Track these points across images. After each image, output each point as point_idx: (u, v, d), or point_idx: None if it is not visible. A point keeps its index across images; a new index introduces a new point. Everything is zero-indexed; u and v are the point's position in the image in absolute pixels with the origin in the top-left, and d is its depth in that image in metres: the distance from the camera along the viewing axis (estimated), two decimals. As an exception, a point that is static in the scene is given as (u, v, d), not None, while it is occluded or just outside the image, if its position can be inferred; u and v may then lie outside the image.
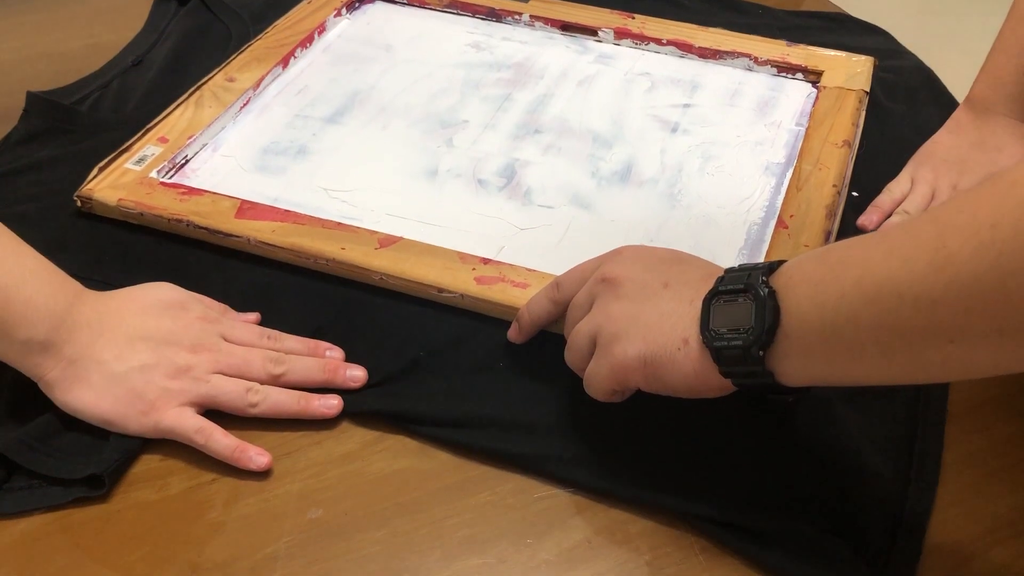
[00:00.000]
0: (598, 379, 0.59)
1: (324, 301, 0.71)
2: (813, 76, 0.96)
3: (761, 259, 0.74)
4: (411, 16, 1.06)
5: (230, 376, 0.63)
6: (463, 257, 0.72)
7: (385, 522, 0.58)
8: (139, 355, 0.61)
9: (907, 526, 0.58)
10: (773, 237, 0.76)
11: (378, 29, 1.03)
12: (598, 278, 0.61)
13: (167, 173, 0.80)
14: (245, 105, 0.89)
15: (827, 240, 0.76)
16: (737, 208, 0.81)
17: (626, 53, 1.00)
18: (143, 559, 0.56)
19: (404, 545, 0.57)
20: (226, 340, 0.65)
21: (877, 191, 0.83)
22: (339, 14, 1.03)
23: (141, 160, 0.80)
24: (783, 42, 0.99)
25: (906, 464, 0.62)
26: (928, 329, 0.44)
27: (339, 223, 0.75)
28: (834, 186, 0.80)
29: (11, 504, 0.58)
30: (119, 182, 0.77)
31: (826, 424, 0.63)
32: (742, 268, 0.55)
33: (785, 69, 0.97)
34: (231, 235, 0.74)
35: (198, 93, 0.88)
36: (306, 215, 0.75)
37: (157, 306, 0.64)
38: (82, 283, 0.63)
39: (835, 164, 0.82)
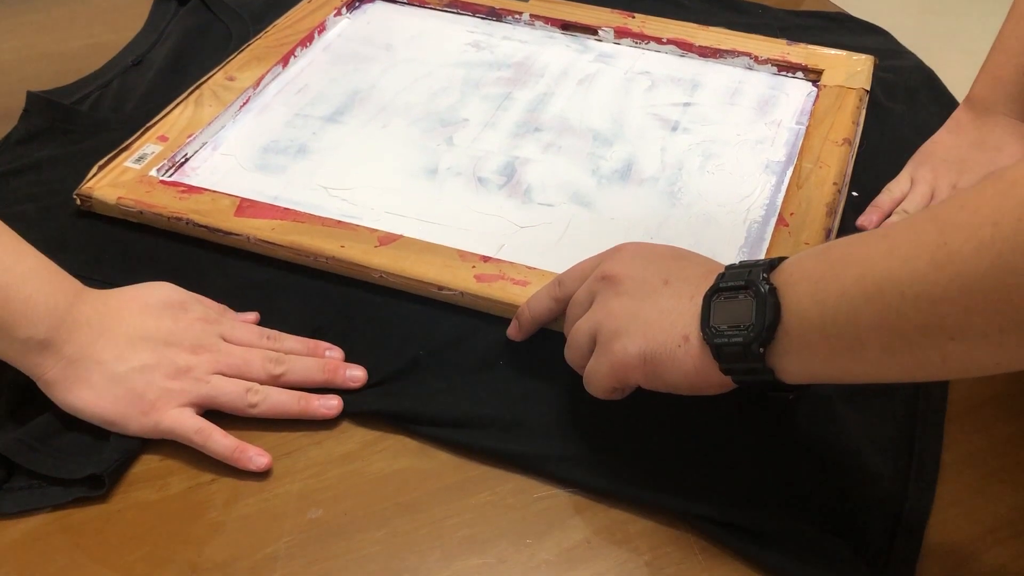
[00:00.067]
0: (598, 377, 0.59)
1: (324, 300, 0.71)
2: (813, 75, 0.96)
3: (762, 257, 0.74)
4: (411, 15, 1.06)
5: (230, 376, 0.63)
6: (463, 255, 0.72)
7: (385, 522, 0.58)
8: (139, 355, 0.61)
9: (907, 526, 0.58)
10: (774, 235, 0.76)
11: (378, 28, 1.03)
12: (598, 275, 0.61)
13: (167, 172, 0.80)
14: (245, 104, 0.89)
15: (827, 238, 0.75)
16: (737, 206, 0.81)
17: (626, 52, 1.00)
18: (143, 559, 0.56)
19: (404, 545, 0.57)
20: (226, 340, 0.65)
21: (877, 191, 0.83)
22: (339, 13, 1.03)
23: (141, 159, 0.80)
24: (783, 41, 0.99)
25: (906, 464, 0.62)
26: (929, 327, 0.44)
27: (339, 221, 0.75)
28: (834, 184, 0.80)
29: (11, 504, 0.58)
30: (119, 180, 0.77)
31: (826, 424, 0.63)
32: (743, 265, 0.55)
33: (785, 68, 0.97)
34: (230, 233, 0.74)
35: (198, 92, 0.88)
36: (305, 213, 0.75)
37: (157, 306, 0.64)
38: (82, 282, 0.63)
39: (835, 162, 0.82)
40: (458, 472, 0.61)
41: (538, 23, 1.03)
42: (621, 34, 1.01)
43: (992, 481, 0.62)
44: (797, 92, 0.95)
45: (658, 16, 1.03)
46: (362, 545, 0.57)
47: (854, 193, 0.83)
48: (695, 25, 1.02)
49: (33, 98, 0.89)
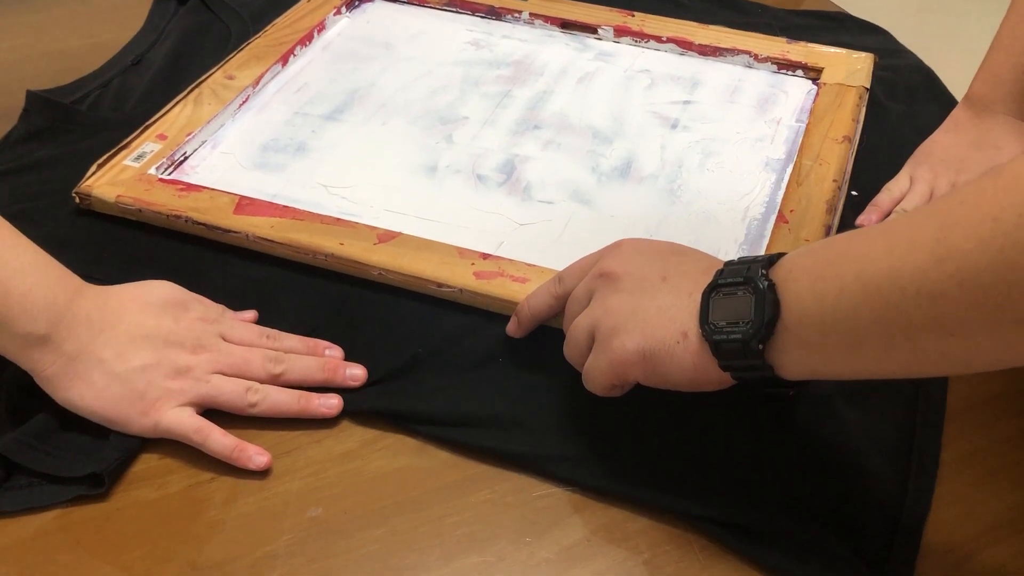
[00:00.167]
0: (597, 373, 0.59)
1: (323, 298, 0.71)
2: (813, 73, 0.96)
3: (761, 254, 0.74)
4: (411, 14, 1.06)
5: (230, 376, 0.63)
6: (462, 252, 0.72)
7: (384, 520, 0.58)
8: (140, 355, 0.61)
9: (906, 524, 0.58)
10: (773, 232, 0.76)
11: (378, 27, 1.03)
12: (596, 272, 0.61)
13: (166, 170, 0.80)
14: (244, 103, 0.89)
15: (827, 235, 0.75)
16: (737, 204, 0.81)
17: (626, 51, 1.00)
18: (143, 557, 0.56)
19: (403, 543, 0.57)
20: (225, 340, 0.65)
21: (876, 190, 0.83)
22: (339, 12, 1.03)
23: (140, 157, 0.80)
24: (783, 39, 0.99)
25: (905, 463, 0.62)
26: (929, 322, 0.44)
27: (338, 219, 0.75)
28: (834, 181, 0.80)
29: (11, 503, 0.58)
30: (118, 179, 0.77)
31: (825, 423, 0.63)
32: (741, 261, 0.55)
33: (785, 66, 0.97)
34: (229, 231, 0.74)
35: (197, 90, 0.88)
36: (305, 211, 0.75)
37: (157, 305, 0.64)
38: (81, 281, 0.63)
39: (835, 159, 0.82)
40: (457, 471, 0.61)
41: (537, 22, 1.03)
42: (621, 32, 1.01)
43: (992, 480, 0.62)
44: (797, 90, 0.95)
45: (657, 15, 1.03)
46: (362, 543, 0.57)
47: (853, 192, 0.83)
48: (695, 23, 1.02)
49: (33, 97, 0.89)
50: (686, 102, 0.93)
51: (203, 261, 0.74)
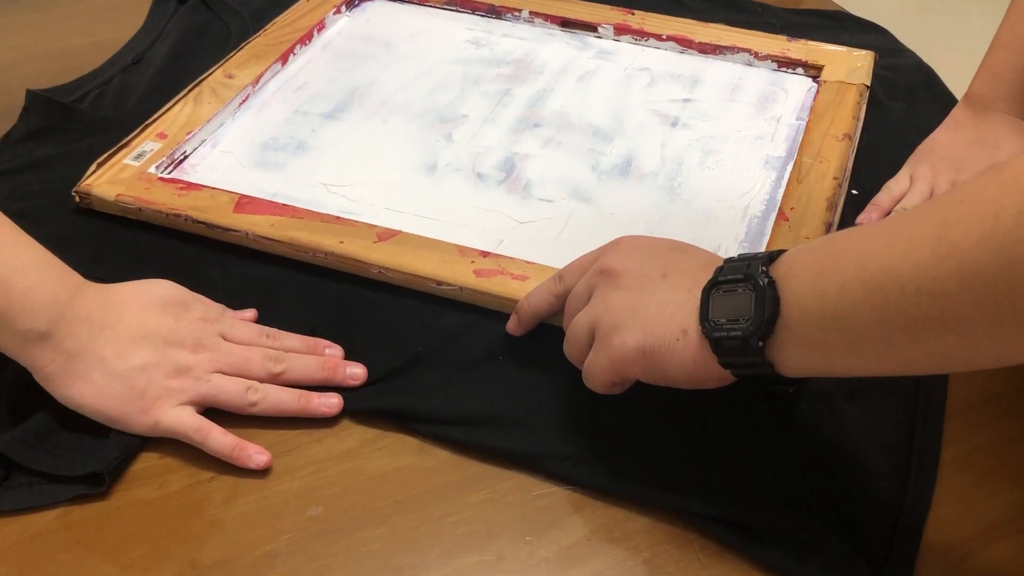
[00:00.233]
0: (597, 370, 0.59)
1: (322, 297, 0.71)
2: (813, 71, 0.96)
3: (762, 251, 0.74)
4: (411, 13, 1.06)
5: (230, 375, 0.63)
6: (462, 250, 0.72)
7: (384, 520, 0.58)
8: (141, 353, 0.61)
9: (906, 523, 0.58)
10: (774, 229, 0.76)
11: (378, 26, 1.03)
12: (596, 269, 0.61)
13: (166, 169, 0.80)
14: (244, 101, 0.89)
15: (828, 232, 0.75)
16: (737, 202, 0.80)
17: (626, 49, 1.00)
18: (143, 556, 0.56)
19: (403, 543, 0.57)
20: (225, 339, 0.65)
21: (876, 189, 0.83)
22: (339, 11, 1.03)
23: (140, 156, 0.80)
24: (783, 37, 0.99)
25: (905, 461, 0.62)
26: (929, 320, 0.44)
27: (337, 217, 0.75)
28: (835, 178, 0.80)
29: (11, 501, 0.58)
30: (117, 177, 0.77)
31: (825, 422, 0.63)
32: (742, 258, 0.55)
33: (785, 64, 0.97)
34: (229, 229, 0.74)
35: (197, 89, 0.88)
36: (304, 209, 0.75)
37: (158, 304, 0.64)
38: (81, 280, 0.63)
39: (836, 157, 0.82)
40: (457, 470, 0.61)
41: (537, 20, 1.03)
42: (621, 31, 1.01)
43: (992, 479, 0.62)
44: (797, 88, 0.95)
45: (658, 13, 1.03)
46: (362, 543, 0.57)
47: (854, 191, 0.83)
48: (695, 22, 1.02)
49: (33, 96, 0.89)
50: (686, 100, 0.93)
51: (203, 260, 0.74)
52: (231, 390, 0.63)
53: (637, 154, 0.86)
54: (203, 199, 0.76)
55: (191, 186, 0.77)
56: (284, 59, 0.94)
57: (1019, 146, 0.81)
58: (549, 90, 0.93)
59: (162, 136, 0.82)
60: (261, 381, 0.64)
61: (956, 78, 0.99)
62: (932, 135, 0.86)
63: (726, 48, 0.98)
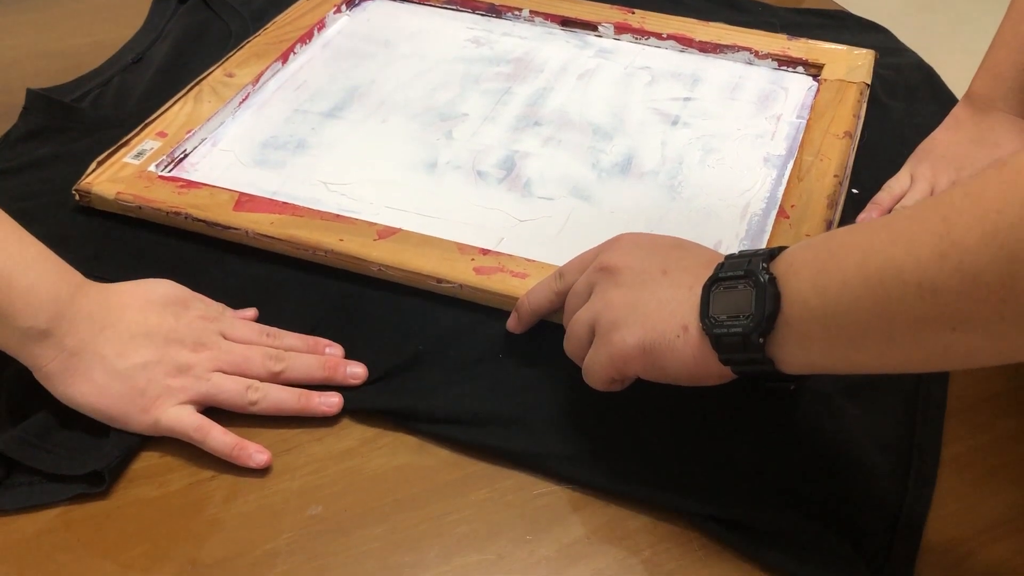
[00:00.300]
0: (597, 367, 0.59)
1: (323, 296, 0.71)
2: (814, 69, 0.96)
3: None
4: (411, 13, 1.06)
5: (230, 374, 0.63)
6: (462, 248, 0.72)
7: (384, 518, 0.58)
8: (141, 352, 0.61)
9: (906, 522, 0.58)
10: (774, 227, 0.76)
11: (378, 25, 1.03)
12: (597, 266, 0.61)
13: (166, 167, 0.80)
14: (244, 100, 0.89)
15: (828, 229, 0.75)
16: (738, 199, 0.80)
17: (626, 48, 1.00)
18: (143, 555, 0.56)
19: (403, 541, 0.57)
20: (226, 338, 0.65)
21: (877, 188, 0.83)
22: (339, 11, 1.03)
23: (140, 154, 0.80)
24: (784, 36, 0.99)
25: (905, 461, 0.62)
26: (930, 316, 0.44)
27: (337, 215, 0.75)
28: (835, 176, 0.80)
29: (11, 501, 0.58)
30: (118, 176, 0.77)
31: (825, 421, 0.63)
32: (742, 254, 0.54)
33: (786, 63, 0.97)
34: (229, 227, 0.74)
35: (197, 88, 0.88)
36: (304, 207, 0.75)
37: (159, 303, 0.64)
38: (81, 279, 0.63)
39: (836, 155, 0.82)
40: (457, 469, 0.61)
41: (538, 19, 1.03)
42: (621, 30, 1.01)
43: (992, 478, 0.62)
44: (798, 86, 0.95)
45: (658, 12, 1.03)
46: (362, 541, 0.57)
47: (854, 190, 0.83)
48: (695, 21, 1.01)
49: (33, 96, 0.89)
50: (687, 99, 0.93)
51: (203, 259, 0.74)
52: (231, 389, 0.62)
53: (637, 152, 0.86)
54: (203, 197, 0.76)
55: (191, 184, 0.77)
56: (284, 58, 0.94)
57: (1020, 145, 0.81)
58: (549, 89, 0.93)
59: (162, 135, 0.82)
60: (261, 380, 0.64)
61: (956, 77, 0.99)
62: (932, 134, 0.86)
63: (726, 47, 0.98)
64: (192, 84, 0.88)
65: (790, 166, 0.83)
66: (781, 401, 0.64)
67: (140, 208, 0.76)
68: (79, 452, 0.60)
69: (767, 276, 0.51)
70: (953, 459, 0.63)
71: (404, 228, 0.73)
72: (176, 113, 0.85)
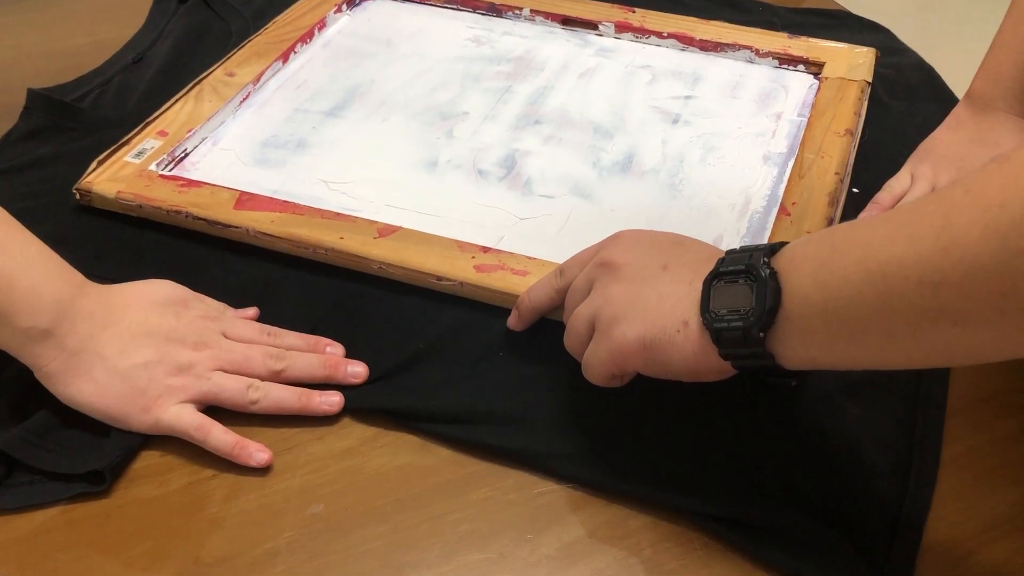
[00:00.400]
0: (597, 363, 0.59)
1: (323, 295, 0.71)
2: (815, 68, 0.96)
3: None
4: (411, 12, 1.06)
5: (231, 373, 0.63)
6: (462, 246, 0.72)
7: (385, 518, 0.58)
8: (142, 351, 0.61)
9: (906, 522, 0.58)
10: (775, 224, 0.76)
11: (378, 25, 1.03)
12: (597, 262, 0.61)
13: (166, 166, 0.80)
14: (245, 99, 0.89)
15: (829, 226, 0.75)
16: (739, 198, 0.80)
17: (627, 47, 1.00)
18: (144, 554, 0.56)
19: (404, 541, 0.57)
20: (227, 337, 0.65)
21: (877, 188, 0.82)
22: (339, 10, 1.03)
23: (140, 153, 0.80)
24: (784, 35, 0.99)
25: (906, 460, 0.62)
26: (932, 311, 0.44)
27: (338, 213, 0.75)
28: (836, 174, 0.80)
29: (12, 500, 0.58)
30: (118, 175, 0.77)
31: (826, 420, 0.63)
32: (743, 249, 0.54)
33: (787, 61, 0.97)
34: (230, 226, 0.74)
35: (198, 87, 0.88)
36: (305, 206, 0.75)
37: (160, 303, 0.64)
38: (81, 279, 0.63)
39: (837, 152, 0.82)
40: (458, 468, 0.61)
41: (538, 18, 1.03)
42: (622, 29, 1.01)
43: (992, 477, 0.62)
44: (798, 85, 0.95)
45: (659, 12, 1.03)
46: (362, 541, 0.57)
47: (855, 190, 0.83)
48: (696, 19, 1.01)
49: (34, 95, 0.89)
50: (687, 97, 0.93)
51: (203, 258, 0.74)
52: (232, 388, 0.63)
53: (638, 151, 0.86)
54: (204, 196, 0.76)
55: (191, 183, 0.77)
56: (285, 57, 0.94)
57: (1020, 144, 0.81)
58: (550, 87, 0.93)
59: (163, 134, 0.82)
60: (262, 379, 0.64)
61: (957, 77, 0.99)
62: (933, 134, 0.86)
63: (727, 45, 0.98)
64: (193, 83, 0.88)
65: (791, 164, 0.83)
66: (781, 400, 0.64)
67: (141, 207, 0.76)
68: (80, 451, 0.60)
69: (768, 271, 0.51)
70: (953, 459, 0.63)
71: (405, 226, 0.73)
72: (177, 112, 0.85)
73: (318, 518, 0.58)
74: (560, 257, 0.67)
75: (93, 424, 0.61)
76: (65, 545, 0.57)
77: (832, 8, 1.13)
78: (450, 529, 0.58)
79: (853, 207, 0.81)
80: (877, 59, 0.96)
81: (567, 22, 1.03)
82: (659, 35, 1.00)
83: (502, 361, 0.67)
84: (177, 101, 0.86)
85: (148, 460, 0.61)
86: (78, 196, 0.77)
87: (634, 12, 1.02)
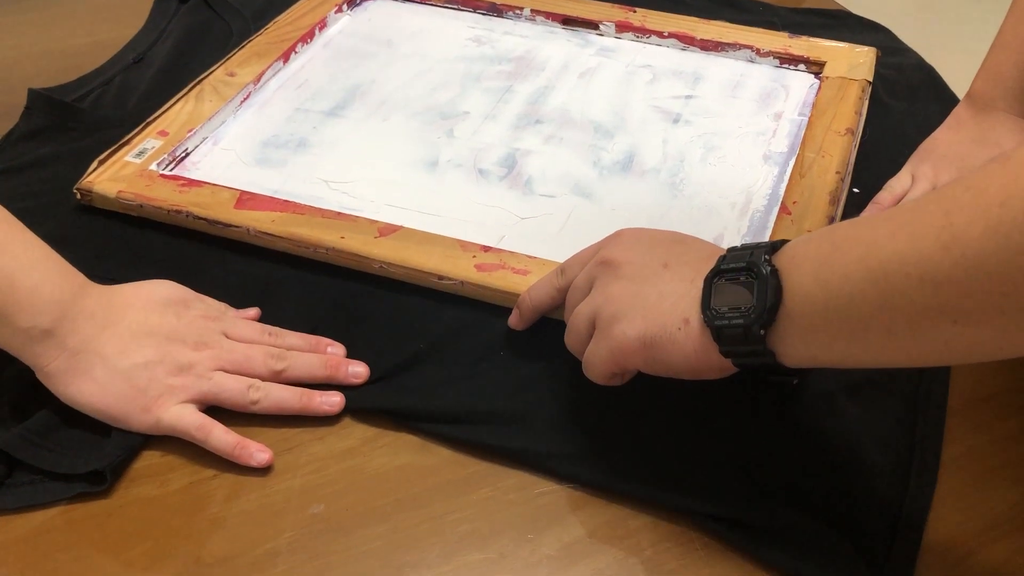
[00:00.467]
0: (597, 360, 0.59)
1: (324, 294, 0.71)
2: (815, 67, 0.96)
3: (764, 242, 0.74)
4: (412, 12, 1.06)
5: (232, 373, 0.63)
6: (463, 245, 0.72)
7: (386, 518, 0.58)
8: (143, 351, 0.61)
9: (907, 521, 0.58)
10: (776, 223, 0.76)
11: (379, 25, 1.03)
12: (598, 260, 0.61)
13: (167, 166, 0.80)
14: (245, 99, 0.89)
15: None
16: (740, 197, 0.80)
17: (628, 46, 1.00)
18: (145, 554, 0.56)
19: (405, 541, 0.57)
20: (227, 337, 0.65)
21: (878, 188, 0.82)
22: (340, 10, 1.03)
23: (141, 153, 0.80)
24: (785, 34, 0.99)
25: (906, 460, 0.62)
26: (932, 309, 0.44)
27: (338, 213, 0.75)
28: (837, 173, 0.80)
29: (13, 500, 0.58)
30: (119, 175, 0.77)
31: (826, 419, 0.63)
32: (744, 247, 0.54)
33: (787, 60, 0.97)
34: (230, 225, 0.74)
35: (198, 87, 0.88)
36: (305, 205, 0.75)
37: (161, 303, 0.64)
38: (82, 279, 0.63)
39: (838, 152, 0.82)
40: (459, 468, 0.61)
41: (539, 18, 1.03)
42: (622, 28, 1.01)
43: (993, 477, 0.62)
44: (799, 84, 0.95)
45: (659, 11, 1.03)
46: (363, 541, 0.57)
47: (855, 190, 0.83)
48: (697, 19, 1.01)
49: (34, 95, 0.89)
50: (688, 97, 0.93)
51: (204, 257, 0.74)
52: (233, 388, 0.63)
53: (639, 150, 0.86)
54: (204, 195, 0.76)
55: (192, 183, 0.77)
56: (286, 57, 0.94)
57: (1021, 144, 0.81)
58: (550, 87, 0.93)
59: (163, 134, 0.82)
60: (263, 379, 0.64)
61: (957, 77, 0.99)
62: (934, 134, 0.86)
63: (728, 45, 0.98)
64: (193, 83, 0.88)
65: (792, 163, 0.83)
66: (782, 399, 0.64)
67: (141, 207, 0.76)
68: (81, 451, 0.60)
69: (769, 268, 0.51)
70: (954, 458, 0.63)
71: (405, 226, 0.73)
72: (177, 112, 0.85)
73: (319, 518, 0.58)
74: (561, 256, 0.67)
75: (94, 424, 0.61)
76: (65, 545, 0.57)
77: (832, 8, 1.13)
78: (450, 529, 0.58)
79: (854, 207, 0.81)
80: (878, 59, 0.96)
81: (568, 22, 1.03)
82: (660, 35, 1.00)
83: (503, 361, 0.67)
84: (178, 101, 0.86)
85: (149, 460, 0.61)
86: (79, 196, 0.77)
87: (635, 12, 1.02)
